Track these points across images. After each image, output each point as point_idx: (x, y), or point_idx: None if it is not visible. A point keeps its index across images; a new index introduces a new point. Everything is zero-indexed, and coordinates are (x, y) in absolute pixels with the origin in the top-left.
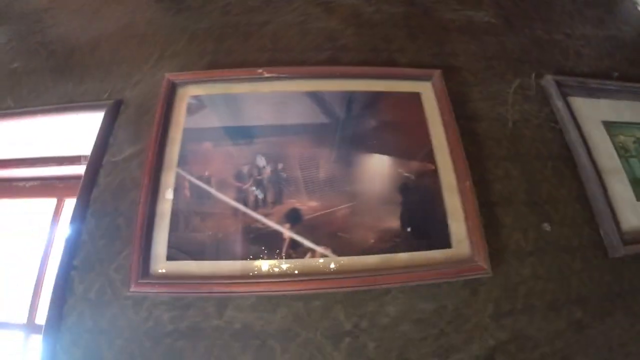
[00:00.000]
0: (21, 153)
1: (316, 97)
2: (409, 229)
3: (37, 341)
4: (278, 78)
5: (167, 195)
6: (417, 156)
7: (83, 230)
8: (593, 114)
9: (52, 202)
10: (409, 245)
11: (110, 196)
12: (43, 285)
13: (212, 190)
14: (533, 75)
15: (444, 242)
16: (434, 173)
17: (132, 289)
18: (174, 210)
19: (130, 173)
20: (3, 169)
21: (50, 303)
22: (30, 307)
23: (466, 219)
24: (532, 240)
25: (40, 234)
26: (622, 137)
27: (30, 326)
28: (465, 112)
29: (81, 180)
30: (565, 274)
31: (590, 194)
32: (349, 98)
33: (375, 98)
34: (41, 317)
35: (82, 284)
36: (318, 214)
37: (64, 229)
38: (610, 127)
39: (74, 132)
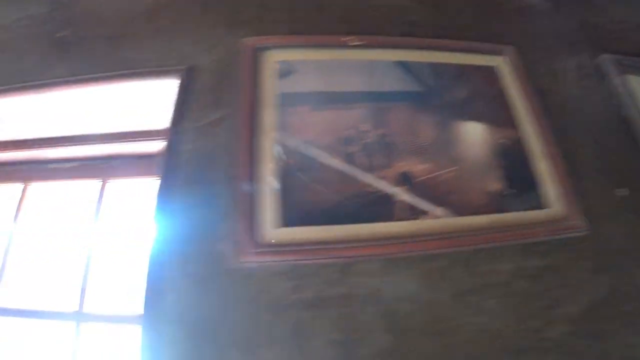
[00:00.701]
0: (57, 131)
1: (405, 67)
2: (510, 191)
3: (88, 330)
4: (365, 46)
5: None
6: (505, 124)
7: (172, 201)
8: None
9: (96, 184)
10: (513, 206)
11: (198, 164)
12: (91, 272)
13: (322, 154)
14: (588, 54)
15: (541, 202)
16: (521, 140)
17: (243, 260)
18: (279, 175)
19: (219, 139)
20: (36, 148)
21: (148, 282)
22: (81, 295)
23: (558, 181)
24: (611, 204)
25: (85, 219)
26: None
27: (81, 314)
28: (534, 87)
29: (163, 149)
30: None
31: None
32: (434, 69)
33: (459, 70)
34: (90, 306)
35: (179, 260)
36: (427, 176)
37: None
38: None
39: (122, 106)
